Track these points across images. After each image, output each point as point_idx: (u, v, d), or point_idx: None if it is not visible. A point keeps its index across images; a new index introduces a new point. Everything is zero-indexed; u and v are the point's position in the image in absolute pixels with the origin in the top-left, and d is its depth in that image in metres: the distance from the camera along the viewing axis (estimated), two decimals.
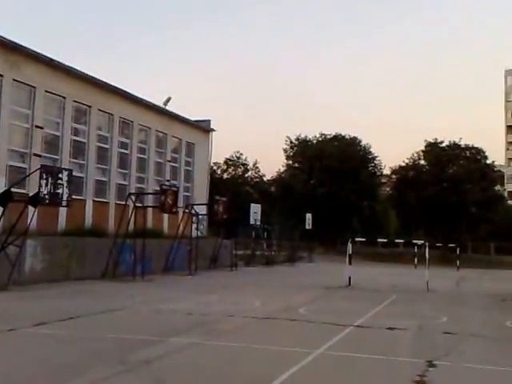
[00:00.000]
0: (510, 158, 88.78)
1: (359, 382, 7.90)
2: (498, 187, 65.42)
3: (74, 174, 21.16)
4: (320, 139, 65.96)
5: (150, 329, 11.43)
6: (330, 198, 57.17)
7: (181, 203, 30.97)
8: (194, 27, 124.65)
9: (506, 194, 73.29)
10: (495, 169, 63.53)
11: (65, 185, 18.93)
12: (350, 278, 22.67)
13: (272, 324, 12.66)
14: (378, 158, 64.88)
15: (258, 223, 35.88)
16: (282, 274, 31.21)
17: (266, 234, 39.85)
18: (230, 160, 67.13)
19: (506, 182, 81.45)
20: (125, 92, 29.86)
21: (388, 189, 67.08)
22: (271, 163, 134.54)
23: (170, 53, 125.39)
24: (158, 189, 27.03)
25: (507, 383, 8.14)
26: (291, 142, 66.35)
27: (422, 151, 61.71)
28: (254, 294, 18.61)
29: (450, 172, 59.28)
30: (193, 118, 37.54)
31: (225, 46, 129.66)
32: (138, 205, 24.69)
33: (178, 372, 8.07)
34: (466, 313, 15.91)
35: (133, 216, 24.00)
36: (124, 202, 25.40)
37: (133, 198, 25.04)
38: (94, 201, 27.30)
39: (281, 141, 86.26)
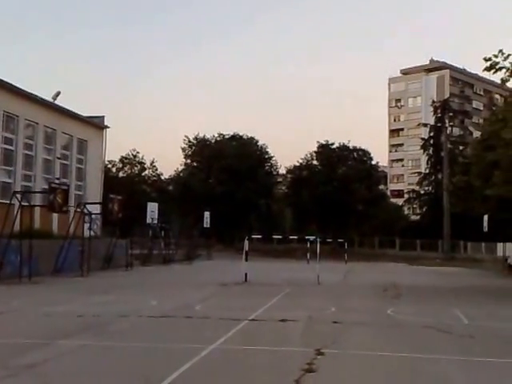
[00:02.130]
0: (392, 160, 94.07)
1: (251, 374, 8.10)
2: (381, 186, 69.40)
3: None
4: (218, 139, 66.50)
5: (37, 332, 11.01)
6: (228, 197, 57.75)
7: (72, 202, 29.82)
8: (91, 20, 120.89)
9: (388, 193, 77.81)
10: (379, 169, 67.24)
11: None
12: (246, 274, 23.06)
13: (168, 322, 12.60)
14: (274, 158, 66.61)
15: (156, 222, 35.48)
16: (180, 272, 31.08)
17: (163, 232, 39.46)
18: (126, 158, 65.78)
19: (388, 181, 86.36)
20: (10, 85, 28.37)
21: (284, 187, 68.80)
22: (169, 162, 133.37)
23: (64, 46, 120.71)
24: (47, 187, 25.90)
25: (389, 368, 8.65)
26: (189, 142, 66.35)
27: (315, 152, 63.99)
28: (150, 294, 18.39)
29: (339, 172, 61.89)
30: (86, 114, 36.36)
31: (122, 41, 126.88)
32: (24, 204, 23.55)
33: (65, 375, 7.84)
34: (353, 303, 16.77)
35: (18, 216, 22.87)
36: (8, 201, 24.11)
37: (18, 196, 23.84)
38: None
39: (179, 140, 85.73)
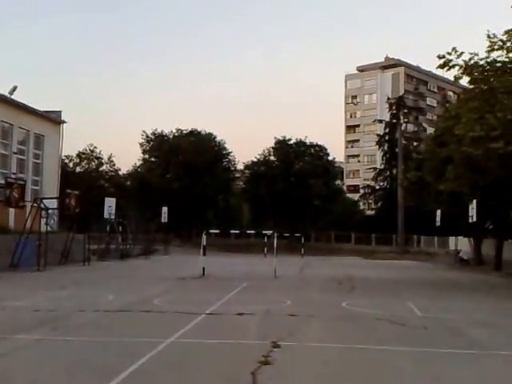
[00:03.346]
0: (348, 155, 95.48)
1: (207, 366, 8.20)
2: (338, 182, 70.38)
3: None
4: (176, 134, 66.15)
5: None
6: (186, 192, 57.62)
7: (29, 197, 29.38)
8: (47, 13, 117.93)
9: (344, 188, 79.03)
10: (336, 165, 68.15)
11: None
12: (204, 268, 23.14)
13: (125, 316, 12.57)
14: (231, 154, 66.71)
15: (113, 217, 35.17)
16: (137, 267, 30.91)
17: (121, 227, 39.13)
18: (83, 153, 64.79)
19: (345, 177, 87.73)
20: None
21: (241, 183, 68.97)
22: (127, 157, 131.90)
23: (19, 40, 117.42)
24: (3, 182, 25.40)
25: (343, 359, 8.88)
26: (147, 137, 65.86)
27: (272, 148, 64.38)
28: (107, 288, 18.25)
29: (296, 167, 62.43)
30: (43, 109, 35.71)
31: (79, 35, 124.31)
32: None
33: (23, 369, 7.80)
34: (309, 296, 17.06)
35: None
36: None
37: None
38: None
39: (137, 135, 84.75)
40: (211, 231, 32.50)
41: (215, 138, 66.16)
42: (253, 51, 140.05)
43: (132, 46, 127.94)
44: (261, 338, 10.08)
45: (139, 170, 65.91)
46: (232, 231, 43.65)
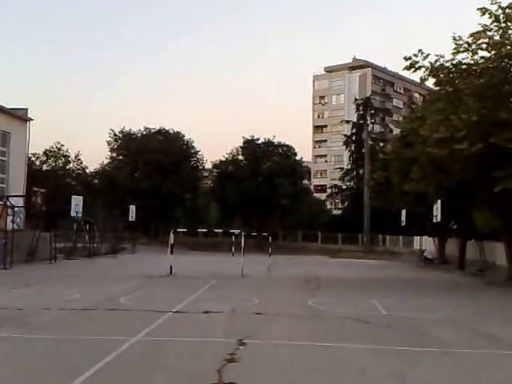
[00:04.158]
0: (316, 155, 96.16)
1: (173, 364, 8.22)
2: (305, 181, 70.82)
3: None
4: (144, 133, 65.72)
5: None
6: (154, 191, 57.31)
7: None
8: (12, 10, 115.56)
9: (312, 188, 79.57)
10: (303, 165, 68.56)
11: None
12: (171, 266, 23.09)
13: (91, 315, 12.52)
14: (200, 153, 66.52)
15: (80, 215, 34.76)
16: (104, 265, 30.63)
17: (88, 226, 38.72)
18: (50, 151, 63.75)
19: (312, 176, 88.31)
20: None
21: (209, 182, 68.82)
22: (94, 156, 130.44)
23: None
24: None
25: (308, 357, 9.00)
26: (115, 135, 65.17)
27: (240, 147, 64.38)
28: (74, 287, 18.05)
29: (264, 167, 62.59)
30: (9, 106, 35.05)
31: (45, 33, 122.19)
32: None
33: None
34: (276, 294, 17.22)
35: None
36: None
37: None
38: None
39: (104, 133, 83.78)
40: (179, 230, 32.47)
41: (183, 137, 65.98)
42: (220, 50, 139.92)
43: (98, 43, 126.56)
44: (227, 336, 10.14)
45: (107, 168, 65.20)
46: (200, 230, 43.51)
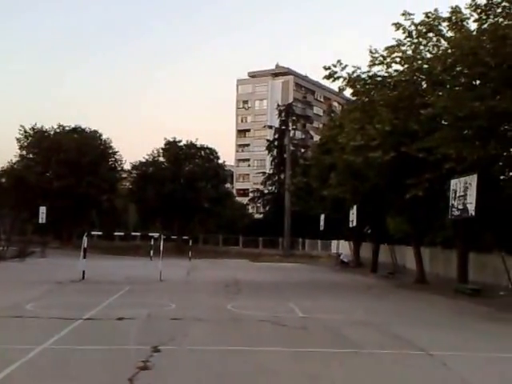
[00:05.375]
0: (239, 159, 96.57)
1: (82, 374, 7.81)
2: (227, 185, 70.85)
3: None
4: (58, 131, 63.05)
5: None
6: (67, 192, 55.06)
7: None
8: None
9: (234, 192, 79.79)
10: (226, 168, 68.57)
11: None
12: (83, 271, 22.19)
13: None
14: (118, 153, 64.73)
15: None
16: (11, 270, 28.93)
17: None
18: None
19: (235, 180, 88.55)
20: None
21: (128, 184, 67.23)
22: (2, 153, 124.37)
23: None
24: None
25: (223, 362, 8.81)
26: (26, 132, 62.04)
27: (162, 149, 63.40)
28: None
29: (186, 170, 62.00)
30: None
31: None
32: None
33: None
34: (194, 299, 16.91)
35: None
36: None
37: None
38: None
39: (14, 130, 79.87)
40: (94, 233, 31.30)
41: (101, 136, 63.88)
42: (145, 49, 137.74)
43: (11, 31, 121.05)
44: (141, 343, 9.80)
45: (16, 166, 61.91)
46: (116, 233, 42.24)
